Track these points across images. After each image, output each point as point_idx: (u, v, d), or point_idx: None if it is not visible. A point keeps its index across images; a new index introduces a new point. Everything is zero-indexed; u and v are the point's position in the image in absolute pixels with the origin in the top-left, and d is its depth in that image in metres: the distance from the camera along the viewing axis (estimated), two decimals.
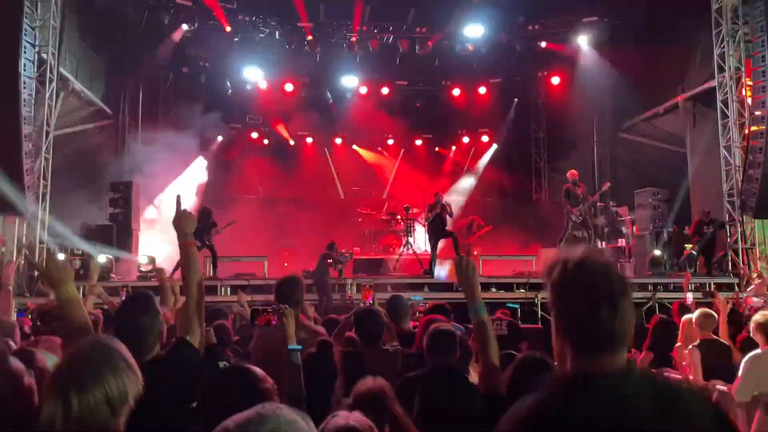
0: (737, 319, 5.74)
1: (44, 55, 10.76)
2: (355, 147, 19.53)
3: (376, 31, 16.44)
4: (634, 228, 13.58)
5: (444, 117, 19.15)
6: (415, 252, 14.18)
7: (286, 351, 2.92)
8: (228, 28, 15.46)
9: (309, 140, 19.23)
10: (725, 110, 11.93)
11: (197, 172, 16.43)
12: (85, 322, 2.48)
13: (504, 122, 19.14)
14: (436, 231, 12.10)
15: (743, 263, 11.51)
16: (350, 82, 17.88)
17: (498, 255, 13.62)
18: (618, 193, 15.10)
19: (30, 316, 6.15)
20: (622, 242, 13.82)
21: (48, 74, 10.85)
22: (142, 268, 12.13)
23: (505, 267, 12.77)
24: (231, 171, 17.20)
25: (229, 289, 10.95)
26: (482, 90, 18.44)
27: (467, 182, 19.38)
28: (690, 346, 5.21)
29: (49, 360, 3.05)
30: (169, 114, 16.29)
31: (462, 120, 19.16)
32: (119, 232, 12.25)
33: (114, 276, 11.34)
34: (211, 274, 11.67)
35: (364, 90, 18.12)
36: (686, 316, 5.67)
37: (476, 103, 18.52)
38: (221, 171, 16.88)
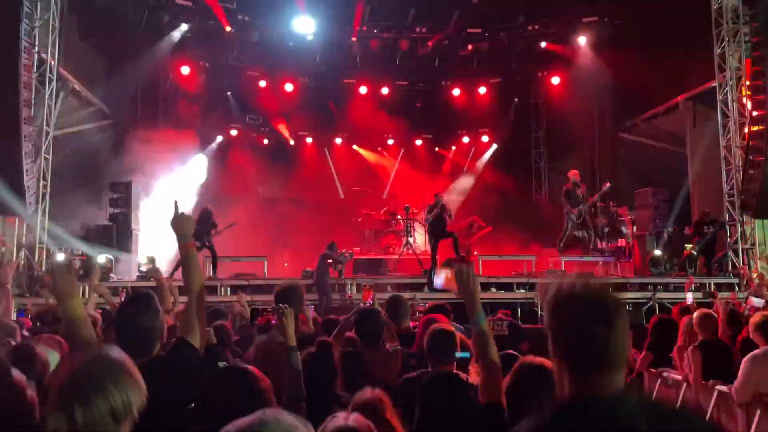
0: (737, 320, 5.73)
1: (44, 55, 10.75)
2: (355, 147, 19.52)
3: (376, 31, 16.44)
4: (634, 228, 13.57)
5: (444, 117, 19.14)
6: (415, 252, 14.17)
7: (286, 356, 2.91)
8: (228, 28, 15.46)
9: (309, 140, 19.22)
10: (725, 110, 11.93)
11: (197, 171, 16.42)
12: (91, 339, 2.47)
13: (504, 122, 19.12)
14: (436, 232, 12.10)
15: (743, 263, 11.51)
16: (350, 82, 17.87)
17: (498, 255, 13.61)
18: (618, 193, 15.10)
19: (29, 316, 6.16)
20: (622, 242, 13.81)
21: (48, 74, 10.84)
22: (142, 269, 12.12)
23: (505, 267, 12.76)
24: (231, 171, 17.18)
25: (229, 289, 10.95)
26: (482, 90, 18.44)
27: (467, 182, 19.36)
28: (691, 347, 5.21)
29: (51, 356, 3.06)
30: (169, 114, 16.29)
31: (462, 120, 19.15)
32: (119, 233, 12.23)
33: (114, 276, 11.33)
34: (211, 274, 11.68)
35: (364, 90, 18.11)
36: (686, 317, 5.67)
37: (476, 103, 18.52)
38: (221, 171, 16.87)
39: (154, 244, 12.57)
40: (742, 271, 11.25)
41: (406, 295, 6.50)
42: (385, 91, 18.14)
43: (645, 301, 10.80)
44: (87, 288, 5.52)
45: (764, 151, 10.58)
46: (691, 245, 12.09)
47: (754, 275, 11.13)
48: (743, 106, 11.53)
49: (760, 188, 10.76)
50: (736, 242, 11.79)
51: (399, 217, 15.14)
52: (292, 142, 19.03)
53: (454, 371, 3.12)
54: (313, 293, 10.51)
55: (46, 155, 10.97)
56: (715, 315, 5.36)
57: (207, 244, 11.69)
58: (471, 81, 18.16)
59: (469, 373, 3.28)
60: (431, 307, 4.77)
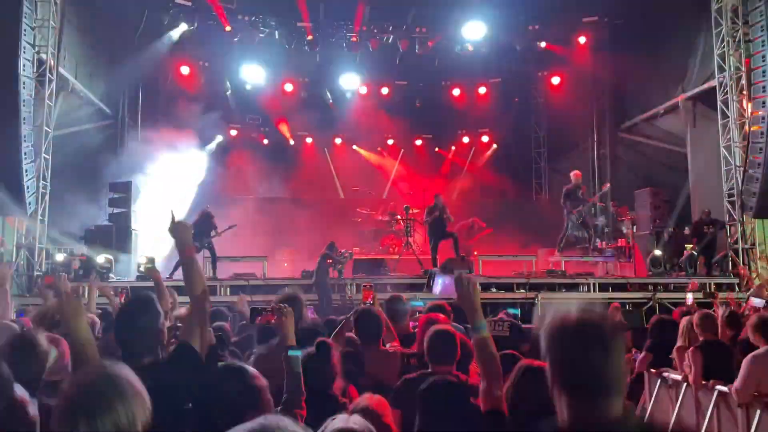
0: (737, 321, 5.73)
1: (44, 55, 10.74)
2: (355, 147, 19.52)
3: (376, 31, 16.43)
4: (634, 228, 13.57)
5: (444, 117, 19.13)
6: (415, 252, 14.17)
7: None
8: (228, 28, 15.45)
9: (309, 140, 19.23)
10: (725, 110, 11.93)
11: (197, 171, 16.40)
12: (94, 359, 2.48)
13: (504, 122, 19.12)
14: (436, 233, 12.12)
15: (743, 263, 11.51)
16: (350, 82, 17.86)
17: (498, 255, 13.61)
18: (618, 193, 15.09)
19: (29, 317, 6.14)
20: (622, 242, 13.81)
21: (47, 74, 10.84)
22: (142, 269, 12.11)
23: (505, 267, 12.76)
24: (231, 171, 17.19)
25: (228, 289, 10.95)
26: (482, 90, 18.43)
27: (467, 182, 19.36)
28: (692, 348, 5.21)
29: (51, 353, 3.06)
30: (169, 114, 16.28)
31: (462, 120, 19.15)
32: (118, 233, 12.23)
33: (113, 276, 11.32)
34: (211, 274, 11.67)
35: (364, 90, 18.11)
36: (686, 317, 5.67)
37: (476, 103, 18.51)
38: (221, 171, 16.85)
39: (154, 244, 12.57)
40: (742, 271, 11.24)
41: (406, 295, 6.48)
42: (385, 91, 18.14)
43: (645, 301, 10.79)
44: (87, 288, 5.52)
45: (764, 151, 10.57)
46: (691, 245, 12.09)
47: (754, 275, 11.14)
48: (743, 106, 11.53)
49: (760, 188, 10.76)
50: (736, 242, 11.78)
51: (399, 217, 15.14)
52: (292, 142, 19.04)
53: (454, 372, 3.12)
54: (313, 293, 10.51)
55: (45, 155, 10.97)
56: (716, 316, 5.37)
57: (206, 244, 11.72)
58: (471, 81, 18.16)
59: (469, 374, 3.28)
60: (431, 306, 4.76)
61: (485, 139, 19.86)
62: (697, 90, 13.28)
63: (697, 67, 13.30)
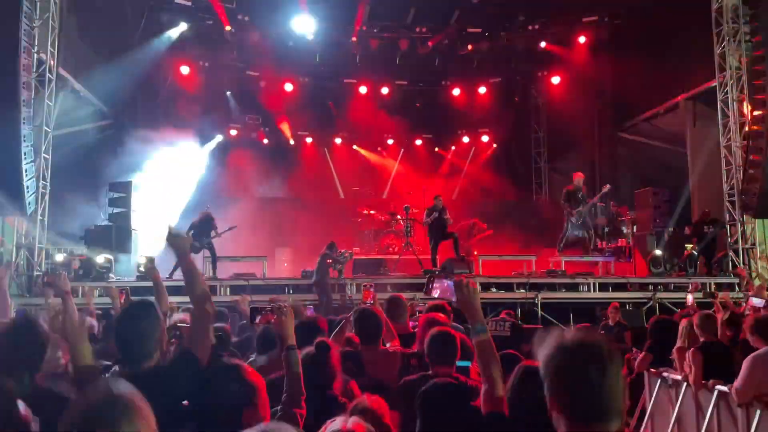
0: (738, 321, 5.72)
1: (43, 55, 10.73)
2: (355, 147, 19.52)
3: (376, 31, 16.42)
4: (634, 228, 13.56)
5: (444, 117, 19.14)
6: (415, 252, 14.16)
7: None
8: (228, 28, 15.43)
9: (309, 140, 19.22)
10: (726, 110, 11.92)
11: (197, 171, 16.40)
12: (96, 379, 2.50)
13: (504, 122, 19.11)
14: (436, 233, 12.13)
15: (743, 263, 11.51)
16: (350, 82, 17.85)
17: (498, 255, 13.60)
18: (618, 193, 15.08)
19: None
20: (622, 242, 13.80)
21: (47, 74, 10.82)
22: (141, 269, 12.10)
23: (505, 267, 12.75)
24: (230, 171, 17.18)
25: (228, 289, 10.95)
26: (482, 90, 18.43)
27: (467, 182, 19.35)
28: (692, 348, 5.21)
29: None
30: (169, 114, 16.27)
31: (462, 120, 19.14)
32: (118, 232, 12.21)
33: (113, 276, 11.31)
34: (211, 274, 11.67)
35: (364, 90, 18.10)
36: (686, 318, 5.67)
37: (476, 103, 18.51)
38: (221, 170, 16.85)
39: (154, 244, 12.55)
40: (741, 273, 11.24)
41: (406, 295, 6.48)
42: (385, 91, 18.13)
43: (645, 301, 10.79)
44: (86, 288, 5.53)
45: (764, 151, 10.57)
46: (691, 245, 12.09)
47: (754, 275, 11.14)
48: (743, 105, 11.52)
49: (760, 188, 10.76)
50: (736, 242, 11.78)
51: (399, 217, 15.13)
52: (292, 142, 19.03)
53: (454, 374, 3.11)
54: (313, 293, 10.50)
55: (45, 155, 10.95)
56: (716, 316, 5.37)
57: (206, 244, 11.72)
58: (471, 81, 18.15)
59: (469, 374, 3.27)
60: (431, 306, 4.76)
61: (485, 139, 19.85)
62: (697, 90, 13.29)
63: (698, 66, 13.30)
